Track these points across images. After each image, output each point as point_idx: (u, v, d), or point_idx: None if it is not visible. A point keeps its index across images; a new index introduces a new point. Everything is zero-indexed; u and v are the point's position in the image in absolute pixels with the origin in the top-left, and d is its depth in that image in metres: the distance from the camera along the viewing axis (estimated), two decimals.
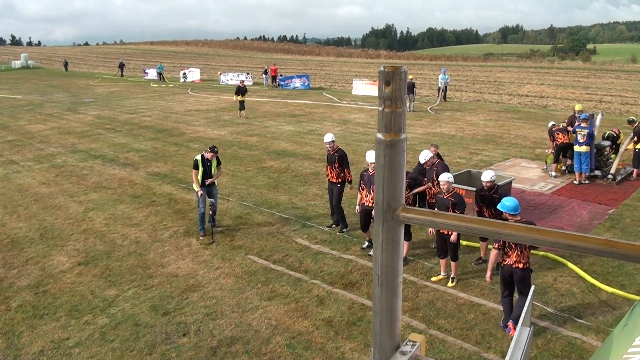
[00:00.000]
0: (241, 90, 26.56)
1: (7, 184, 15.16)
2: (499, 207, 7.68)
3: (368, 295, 8.37)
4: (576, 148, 13.93)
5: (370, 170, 9.75)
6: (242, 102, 26.52)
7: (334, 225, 11.23)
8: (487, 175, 9.32)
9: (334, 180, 10.94)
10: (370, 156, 9.78)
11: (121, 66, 56.87)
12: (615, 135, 15.56)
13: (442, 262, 8.98)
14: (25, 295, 8.64)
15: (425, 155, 10.42)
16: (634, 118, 15.57)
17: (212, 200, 10.84)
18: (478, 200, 9.59)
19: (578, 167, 14.11)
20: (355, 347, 7.08)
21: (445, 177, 8.76)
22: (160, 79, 50.08)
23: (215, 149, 11.02)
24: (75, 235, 11.16)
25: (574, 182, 14.19)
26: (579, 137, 13.82)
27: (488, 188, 9.24)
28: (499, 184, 11.41)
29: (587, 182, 14.13)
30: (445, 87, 32.35)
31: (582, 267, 9.07)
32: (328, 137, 11.05)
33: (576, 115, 15.14)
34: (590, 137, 13.79)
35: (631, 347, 2.99)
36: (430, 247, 10.14)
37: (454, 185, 11.43)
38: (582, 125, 13.88)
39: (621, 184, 14.10)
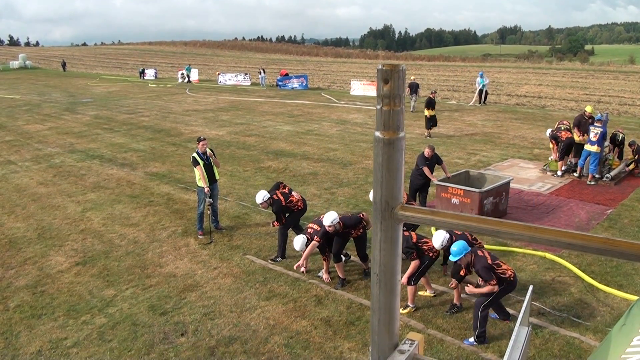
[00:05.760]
0: (432, 103, 20.81)
1: (5, 184, 15.14)
2: (450, 258, 7.38)
3: (366, 295, 8.37)
4: (587, 147, 14.00)
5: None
6: (433, 118, 20.83)
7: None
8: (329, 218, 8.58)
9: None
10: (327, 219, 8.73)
11: (142, 72, 55.96)
12: (621, 133, 15.57)
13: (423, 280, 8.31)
14: (23, 295, 8.63)
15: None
16: (635, 140, 15.35)
17: (211, 200, 10.82)
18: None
19: (582, 163, 14.26)
20: (353, 346, 7.07)
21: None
22: (187, 81, 48.36)
23: (204, 137, 11.03)
24: (73, 235, 11.15)
25: (587, 182, 14.17)
26: (591, 135, 13.89)
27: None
28: (497, 184, 11.45)
29: (592, 183, 14.05)
30: (482, 90, 30.97)
31: (580, 267, 9.08)
32: (259, 198, 9.88)
33: (585, 116, 15.12)
34: (602, 137, 13.83)
35: (629, 347, 2.99)
36: None
37: (452, 185, 11.44)
38: (597, 124, 13.97)
39: (619, 184, 14.10)
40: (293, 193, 10.27)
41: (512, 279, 7.20)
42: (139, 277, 9.17)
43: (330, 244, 8.93)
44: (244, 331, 7.48)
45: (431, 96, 21.04)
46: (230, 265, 9.57)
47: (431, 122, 20.79)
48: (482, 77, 30.87)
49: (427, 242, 8.08)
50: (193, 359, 6.86)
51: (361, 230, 8.99)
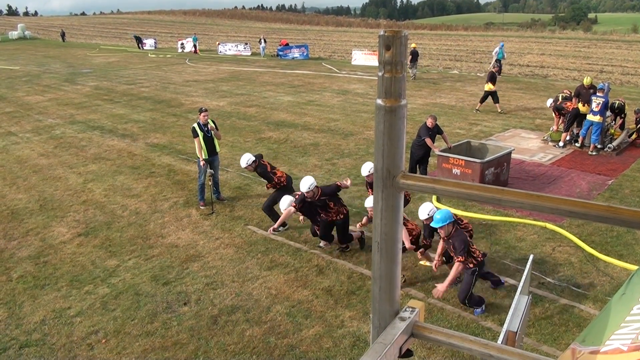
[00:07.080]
0: (494, 77, 19.67)
1: (6, 156, 15.13)
2: (432, 224, 7.21)
3: (367, 265, 8.42)
4: (589, 117, 13.96)
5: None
6: (494, 93, 19.54)
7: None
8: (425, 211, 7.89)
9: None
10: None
11: (138, 39, 54.91)
12: (622, 103, 15.48)
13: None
14: (26, 265, 8.69)
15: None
16: None
17: (212, 171, 10.81)
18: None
19: (584, 133, 14.26)
20: (354, 315, 7.14)
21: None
22: (194, 51, 47.34)
23: (206, 109, 10.95)
24: (75, 207, 11.18)
25: (589, 152, 14.16)
26: (593, 105, 13.84)
27: None
28: (499, 154, 11.43)
29: (594, 153, 14.02)
30: (498, 61, 28.92)
31: (581, 237, 9.11)
32: (243, 162, 9.81)
33: (585, 87, 14.99)
34: (605, 106, 13.80)
35: (629, 316, 3.00)
36: None
37: (453, 156, 11.42)
38: (599, 94, 13.92)
39: (621, 154, 14.08)
40: (275, 170, 9.92)
41: (480, 259, 7.17)
42: (141, 248, 9.22)
43: (311, 212, 8.87)
44: (246, 300, 7.55)
45: (493, 70, 19.89)
46: (232, 236, 9.61)
47: (488, 97, 19.50)
48: (501, 48, 30.04)
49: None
50: (196, 328, 6.94)
51: (342, 216, 8.74)
